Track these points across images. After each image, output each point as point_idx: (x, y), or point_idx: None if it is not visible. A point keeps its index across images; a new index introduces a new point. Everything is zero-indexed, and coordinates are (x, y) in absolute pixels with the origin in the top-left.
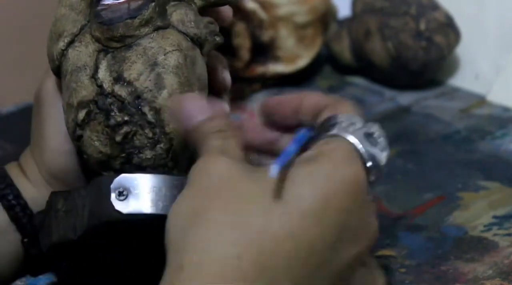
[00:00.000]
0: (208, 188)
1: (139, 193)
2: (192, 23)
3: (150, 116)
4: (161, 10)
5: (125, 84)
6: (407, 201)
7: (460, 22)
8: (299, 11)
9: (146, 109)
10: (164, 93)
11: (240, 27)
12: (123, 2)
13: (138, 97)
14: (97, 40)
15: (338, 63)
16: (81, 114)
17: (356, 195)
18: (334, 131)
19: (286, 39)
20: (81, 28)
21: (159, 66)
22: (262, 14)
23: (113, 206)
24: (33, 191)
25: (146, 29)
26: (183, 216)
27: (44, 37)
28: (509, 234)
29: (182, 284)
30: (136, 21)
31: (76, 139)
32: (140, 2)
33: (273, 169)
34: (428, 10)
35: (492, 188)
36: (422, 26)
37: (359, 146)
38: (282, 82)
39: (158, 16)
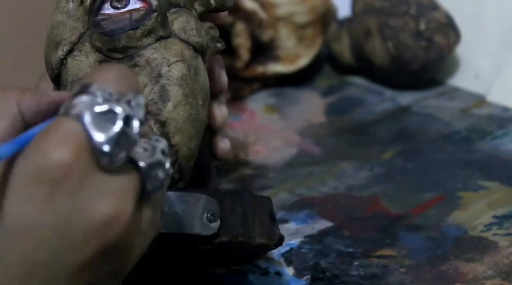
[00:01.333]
0: None
1: None
2: (194, 31)
3: (155, 129)
4: (163, 19)
5: None
6: (407, 201)
7: (460, 22)
8: (299, 11)
9: (151, 122)
10: (169, 105)
11: (240, 27)
12: (124, 12)
13: None
14: (98, 50)
15: (338, 63)
16: None
17: (58, 183)
18: (62, 110)
19: (286, 39)
20: (80, 37)
21: (163, 78)
22: (262, 14)
23: None
24: None
25: (148, 40)
26: None
27: (44, 37)
28: (509, 234)
29: None
30: (139, 32)
31: None
32: (141, 12)
33: None
34: (428, 10)
35: (492, 188)
36: (422, 26)
37: (81, 127)
38: (282, 82)
39: (160, 26)
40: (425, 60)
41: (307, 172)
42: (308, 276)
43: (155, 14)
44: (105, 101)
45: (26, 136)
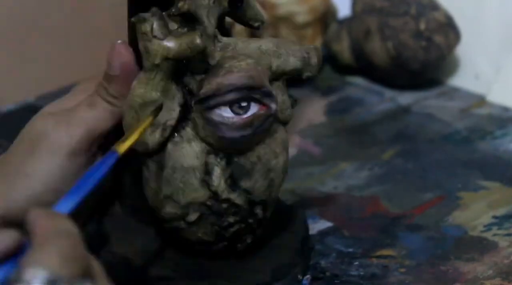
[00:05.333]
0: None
1: None
2: (288, 110)
3: (260, 215)
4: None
5: (242, 192)
6: (407, 201)
7: (460, 22)
8: (299, 11)
9: (258, 210)
10: (273, 191)
11: (240, 27)
12: (245, 118)
13: (253, 201)
14: (206, 142)
15: (338, 63)
16: (193, 216)
17: None
18: None
19: (286, 39)
20: (178, 120)
21: (272, 171)
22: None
23: None
24: None
25: (262, 136)
26: None
27: (44, 37)
28: (508, 234)
29: None
30: (259, 135)
31: (172, 226)
32: (261, 118)
33: None
34: (428, 10)
35: (492, 188)
36: (422, 26)
37: None
38: None
39: (273, 121)
40: (425, 60)
41: (307, 172)
42: (308, 276)
43: (273, 117)
44: None
45: None
